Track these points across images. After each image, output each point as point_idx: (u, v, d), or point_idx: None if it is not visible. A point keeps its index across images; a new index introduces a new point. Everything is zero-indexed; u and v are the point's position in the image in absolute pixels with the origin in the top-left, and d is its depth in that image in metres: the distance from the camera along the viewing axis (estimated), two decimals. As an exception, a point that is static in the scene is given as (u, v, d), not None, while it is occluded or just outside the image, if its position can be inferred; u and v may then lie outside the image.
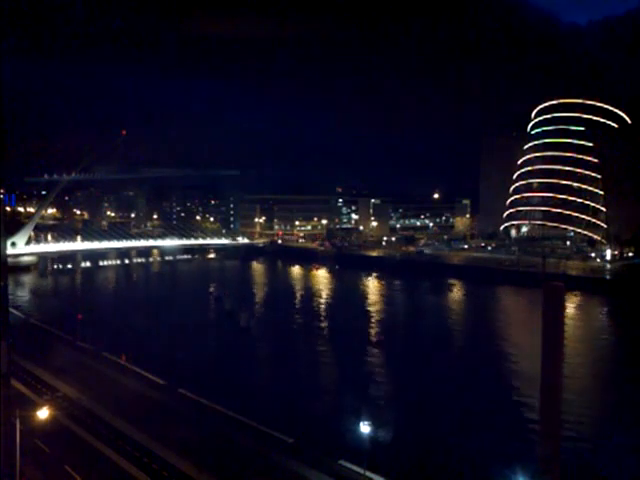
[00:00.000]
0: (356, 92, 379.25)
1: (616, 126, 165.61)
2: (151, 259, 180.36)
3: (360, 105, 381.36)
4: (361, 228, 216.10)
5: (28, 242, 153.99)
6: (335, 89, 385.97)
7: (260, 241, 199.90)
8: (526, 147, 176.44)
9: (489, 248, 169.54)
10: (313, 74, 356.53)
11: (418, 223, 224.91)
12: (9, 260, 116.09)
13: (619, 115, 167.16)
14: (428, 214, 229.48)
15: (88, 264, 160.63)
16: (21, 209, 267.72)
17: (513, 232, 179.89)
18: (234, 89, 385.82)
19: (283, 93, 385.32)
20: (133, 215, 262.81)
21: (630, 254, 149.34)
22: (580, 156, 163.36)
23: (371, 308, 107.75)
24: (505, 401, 56.69)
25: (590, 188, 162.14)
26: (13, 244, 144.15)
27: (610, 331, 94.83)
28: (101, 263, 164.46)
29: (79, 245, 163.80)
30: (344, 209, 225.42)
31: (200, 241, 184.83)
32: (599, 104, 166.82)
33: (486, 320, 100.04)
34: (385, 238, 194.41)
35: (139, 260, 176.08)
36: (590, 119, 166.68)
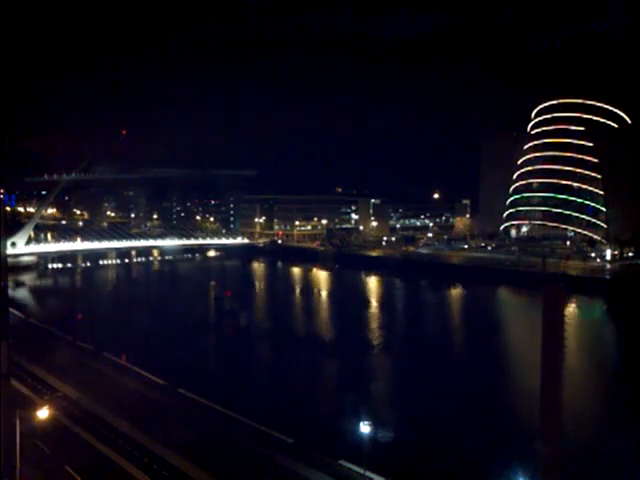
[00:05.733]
0: (357, 92, 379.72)
1: (616, 126, 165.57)
2: (151, 259, 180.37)
3: (361, 105, 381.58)
4: (361, 228, 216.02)
5: (28, 242, 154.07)
6: (336, 89, 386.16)
7: (260, 241, 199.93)
8: (526, 147, 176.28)
9: (489, 248, 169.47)
10: (314, 74, 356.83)
11: (418, 223, 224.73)
12: (9, 260, 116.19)
13: (619, 115, 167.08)
14: (428, 214, 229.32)
15: (88, 264, 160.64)
16: (21, 209, 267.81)
17: (513, 232, 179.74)
18: (235, 89, 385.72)
19: (283, 93, 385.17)
20: (133, 215, 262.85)
21: (630, 254, 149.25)
22: (580, 156, 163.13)
23: (369, 307, 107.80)
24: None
25: (590, 188, 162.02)
26: (13, 244, 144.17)
27: (609, 333, 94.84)
28: (101, 263, 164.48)
29: (79, 245, 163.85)
30: (344, 209, 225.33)
31: (200, 241, 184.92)
32: (599, 104, 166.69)
33: (486, 321, 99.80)
34: (385, 238, 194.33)
35: (139, 260, 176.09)
36: (590, 119, 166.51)
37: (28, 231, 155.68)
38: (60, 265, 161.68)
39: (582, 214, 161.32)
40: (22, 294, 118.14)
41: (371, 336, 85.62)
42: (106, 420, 46.38)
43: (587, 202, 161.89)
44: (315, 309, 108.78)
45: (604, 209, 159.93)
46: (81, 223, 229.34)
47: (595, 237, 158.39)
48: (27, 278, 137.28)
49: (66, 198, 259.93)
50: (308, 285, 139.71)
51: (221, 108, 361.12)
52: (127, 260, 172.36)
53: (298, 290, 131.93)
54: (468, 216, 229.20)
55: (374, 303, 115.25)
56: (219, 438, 44.06)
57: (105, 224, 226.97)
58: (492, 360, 71.10)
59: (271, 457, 40.77)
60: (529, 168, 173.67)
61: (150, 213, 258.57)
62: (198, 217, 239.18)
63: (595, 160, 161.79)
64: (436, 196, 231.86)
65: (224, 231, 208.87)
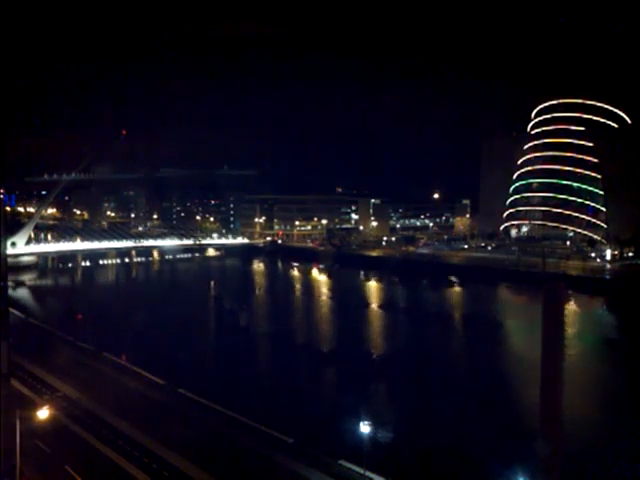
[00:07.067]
0: (357, 92, 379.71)
1: (616, 126, 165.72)
2: (151, 259, 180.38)
3: (361, 105, 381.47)
4: (361, 228, 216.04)
5: (28, 242, 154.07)
6: (335, 88, 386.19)
7: (260, 241, 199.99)
8: (526, 147, 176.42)
9: (489, 248, 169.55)
10: (313, 74, 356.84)
11: (418, 223, 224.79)
12: (9, 260, 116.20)
13: (619, 115, 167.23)
14: (428, 214, 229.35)
15: (88, 264, 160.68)
16: (21, 209, 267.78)
17: (513, 232, 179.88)
18: (235, 89, 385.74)
19: (283, 93, 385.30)
20: (133, 215, 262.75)
21: (630, 254, 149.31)
22: (580, 156, 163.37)
23: (368, 307, 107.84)
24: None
25: (590, 188, 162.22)
26: (13, 244, 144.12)
27: (609, 332, 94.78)
28: (101, 263, 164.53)
29: (79, 245, 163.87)
30: (344, 209, 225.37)
31: (200, 241, 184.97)
32: (599, 104, 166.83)
33: (487, 322, 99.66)
34: (385, 238, 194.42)
35: (139, 260, 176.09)
36: (590, 119, 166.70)
37: (28, 231, 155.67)
38: (60, 265, 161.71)
39: (582, 214, 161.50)
40: (22, 294, 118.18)
41: (370, 335, 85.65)
42: (106, 420, 46.38)
43: (587, 202, 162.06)
44: (314, 309, 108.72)
45: (604, 209, 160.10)
46: (81, 225, 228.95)
47: (595, 237, 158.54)
48: (27, 278, 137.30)
49: (66, 198, 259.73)
50: (308, 285, 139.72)
51: (221, 108, 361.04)
52: (127, 260, 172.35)
53: (298, 290, 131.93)
54: (468, 216, 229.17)
55: (374, 303, 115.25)
56: (219, 438, 44.06)
57: (105, 224, 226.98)
58: (496, 361, 71.17)
59: (271, 457, 40.77)
60: (529, 168, 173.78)
61: (150, 213, 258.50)
62: (198, 217, 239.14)
63: (595, 160, 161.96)
64: (436, 196, 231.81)
65: (224, 231, 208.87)
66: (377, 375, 66.52)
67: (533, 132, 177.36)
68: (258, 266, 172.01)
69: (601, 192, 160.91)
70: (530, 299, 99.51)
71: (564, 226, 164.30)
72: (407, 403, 55.57)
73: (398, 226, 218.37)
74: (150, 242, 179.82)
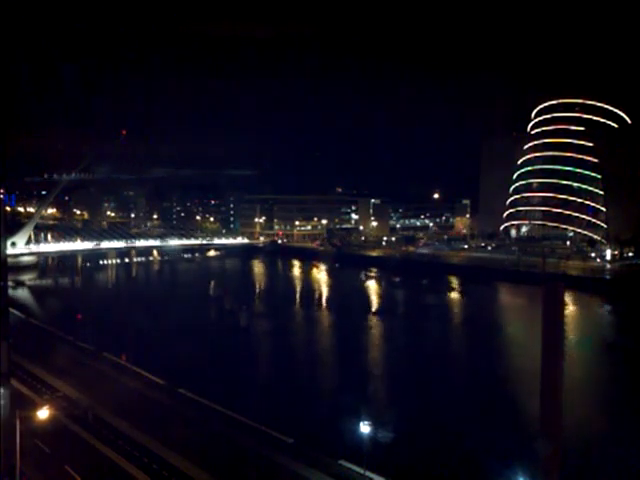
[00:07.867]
0: (357, 92, 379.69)
1: (616, 126, 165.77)
2: (151, 259, 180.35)
3: (361, 105, 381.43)
4: (361, 228, 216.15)
5: (28, 242, 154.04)
6: (335, 89, 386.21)
7: (260, 241, 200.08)
8: (526, 147, 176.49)
9: (489, 248, 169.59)
10: (313, 73, 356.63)
11: (418, 223, 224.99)
12: (9, 260, 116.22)
13: (619, 115, 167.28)
14: (428, 214, 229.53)
15: (88, 264, 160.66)
16: (21, 209, 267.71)
17: (513, 232, 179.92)
18: (234, 89, 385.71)
19: (283, 93, 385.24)
20: (133, 215, 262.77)
21: (630, 254, 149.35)
22: (580, 156, 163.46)
23: (368, 306, 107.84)
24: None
25: (590, 188, 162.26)
26: (13, 244, 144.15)
27: (608, 332, 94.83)
28: (101, 263, 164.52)
29: (79, 245, 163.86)
30: (344, 209, 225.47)
31: (200, 241, 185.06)
32: (599, 104, 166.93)
33: (488, 321, 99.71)
34: (385, 238, 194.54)
35: (139, 260, 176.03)
36: (590, 119, 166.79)
37: (28, 231, 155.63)
38: (60, 265, 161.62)
39: (582, 214, 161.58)
40: (22, 294, 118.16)
41: (369, 335, 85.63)
42: (106, 420, 46.38)
43: (587, 202, 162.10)
44: (314, 310, 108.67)
45: (604, 209, 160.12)
46: (81, 225, 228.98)
47: (595, 237, 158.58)
48: (27, 278, 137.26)
49: (66, 198, 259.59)
50: (308, 285, 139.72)
51: (221, 108, 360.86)
52: (127, 260, 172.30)
53: (298, 290, 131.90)
54: (468, 216, 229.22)
55: (374, 303, 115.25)
56: (219, 438, 44.06)
57: (105, 224, 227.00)
58: (495, 360, 71.16)
59: (271, 457, 40.76)
60: (529, 168, 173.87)
61: (150, 213, 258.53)
62: (198, 217, 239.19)
63: (595, 160, 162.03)
64: (436, 196, 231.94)
65: (224, 231, 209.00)
66: (375, 374, 66.57)
67: (533, 132, 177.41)
68: (258, 266, 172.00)
69: (601, 192, 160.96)
70: (530, 299, 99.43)
71: (564, 226, 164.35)
72: (406, 403, 55.64)
73: (398, 226, 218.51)
74: (150, 242, 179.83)
